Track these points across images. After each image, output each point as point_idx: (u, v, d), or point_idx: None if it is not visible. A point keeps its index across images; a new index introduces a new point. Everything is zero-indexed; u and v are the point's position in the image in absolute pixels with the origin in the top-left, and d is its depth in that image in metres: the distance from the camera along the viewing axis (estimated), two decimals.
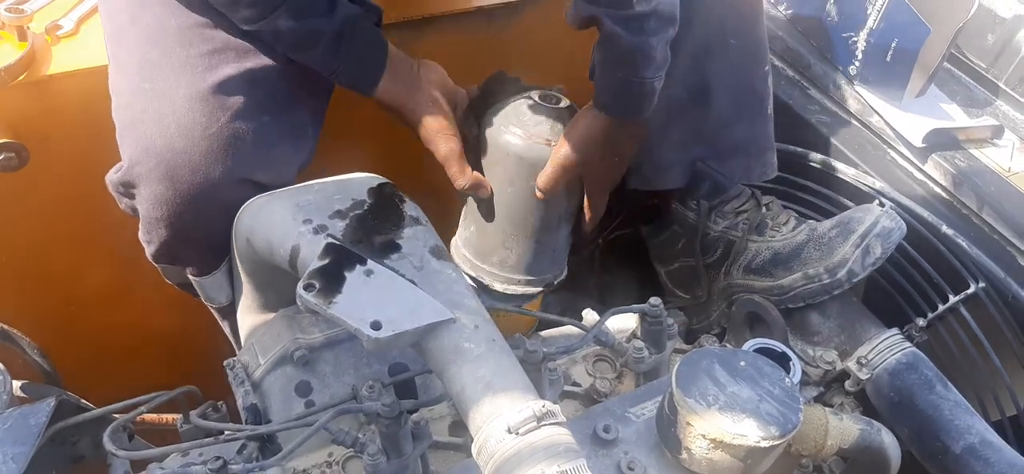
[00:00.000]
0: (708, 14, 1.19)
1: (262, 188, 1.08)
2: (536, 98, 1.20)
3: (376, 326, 0.80)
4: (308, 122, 1.16)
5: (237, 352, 1.29)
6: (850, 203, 1.35)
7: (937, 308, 1.23)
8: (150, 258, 1.18)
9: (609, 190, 1.22)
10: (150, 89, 1.07)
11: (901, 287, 1.27)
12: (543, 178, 1.15)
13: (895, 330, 1.15)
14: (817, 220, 1.26)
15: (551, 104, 1.19)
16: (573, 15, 1.12)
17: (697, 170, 1.29)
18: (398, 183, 1.08)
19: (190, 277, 1.21)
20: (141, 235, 1.15)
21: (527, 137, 1.15)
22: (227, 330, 1.31)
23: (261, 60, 1.10)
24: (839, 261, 1.16)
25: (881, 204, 1.28)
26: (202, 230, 1.11)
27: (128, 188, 1.11)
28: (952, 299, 1.21)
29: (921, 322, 1.21)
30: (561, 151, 1.14)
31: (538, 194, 1.16)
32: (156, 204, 1.08)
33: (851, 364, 1.10)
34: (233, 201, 1.07)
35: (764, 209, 1.28)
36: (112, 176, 1.12)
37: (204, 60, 1.07)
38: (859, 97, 1.44)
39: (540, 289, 1.25)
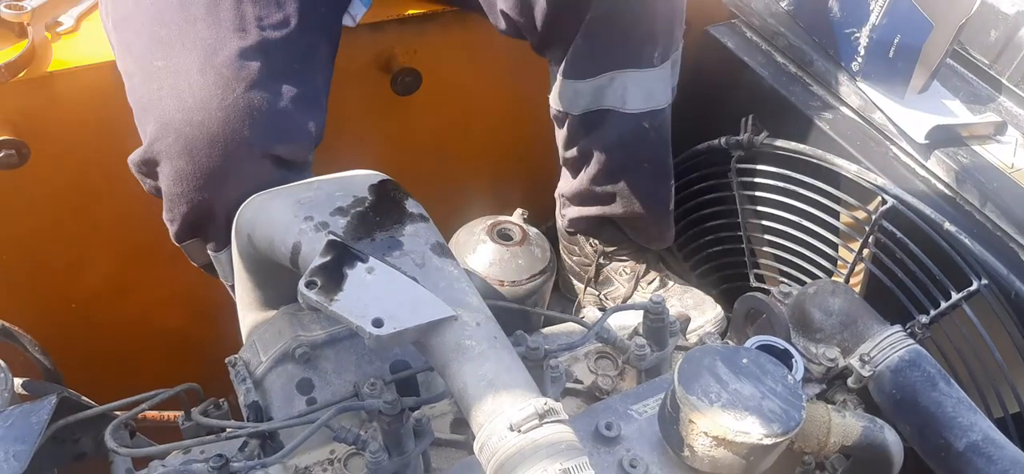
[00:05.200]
0: (628, 144, 1.44)
1: (280, 163, 1.10)
2: (495, 235, 1.36)
3: (378, 323, 0.80)
4: (320, 90, 1.18)
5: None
6: (852, 200, 1.34)
7: (940, 305, 1.22)
8: (174, 238, 1.21)
9: None
10: (163, 67, 1.09)
11: (903, 284, 1.26)
12: None
13: (898, 327, 1.14)
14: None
15: (505, 241, 1.35)
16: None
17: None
18: (399, 180, 1.08)
19: (210, 254, 1.23)
20: (165, 214, 1.17)
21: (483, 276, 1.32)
22: None
23: (266, 33, 1.12)
24: None
25: (883, 201, 1.28)
26: (221, 203, 1.13)
27: (150, 167, 1.12)
28: (955, 296, 1.21)
29: (924, 319, 1.20)
30: None
31: None
32: (177, 180, 1.10)
33: (853, 361, 1.09)
34: (251, 174, 1.09)
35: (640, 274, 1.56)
36: (134, 157, 1.14)
37: (212, 33, 1.09)
38: (861, 93, 1.44)
39: None
